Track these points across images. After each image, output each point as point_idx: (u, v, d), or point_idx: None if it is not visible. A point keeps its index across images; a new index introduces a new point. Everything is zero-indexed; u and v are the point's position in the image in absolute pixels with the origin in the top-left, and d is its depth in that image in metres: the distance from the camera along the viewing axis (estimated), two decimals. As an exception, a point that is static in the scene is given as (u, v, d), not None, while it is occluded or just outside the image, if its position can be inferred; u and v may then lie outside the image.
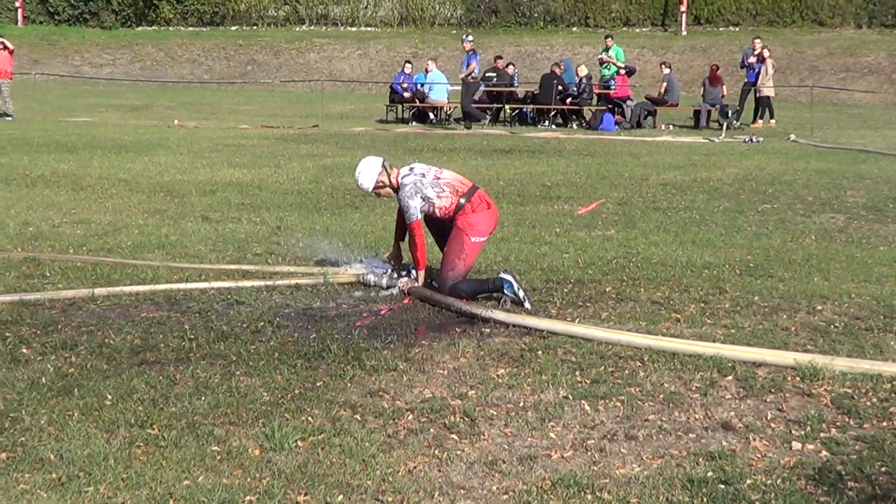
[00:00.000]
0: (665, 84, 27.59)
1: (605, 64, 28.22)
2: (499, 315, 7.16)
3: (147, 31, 52.08)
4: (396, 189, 8.02)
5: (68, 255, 9.18)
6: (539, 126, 27.12)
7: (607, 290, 8.06)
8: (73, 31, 52.13)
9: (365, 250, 9.46)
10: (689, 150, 20.57)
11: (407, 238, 8.16)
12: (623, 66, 27.99)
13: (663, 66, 28.69)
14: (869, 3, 43.93)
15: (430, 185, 7.92)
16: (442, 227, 8.14)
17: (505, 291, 7.63)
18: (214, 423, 5.15)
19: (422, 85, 28.57)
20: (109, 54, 49.28)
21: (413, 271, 8.12)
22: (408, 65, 30.00)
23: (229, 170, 16.10)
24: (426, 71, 29.09)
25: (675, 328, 7.00)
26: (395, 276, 8.14)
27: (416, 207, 7.88)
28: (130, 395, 5.53)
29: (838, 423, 5.25)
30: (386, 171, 8.04)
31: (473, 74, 26.33)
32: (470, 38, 27.55)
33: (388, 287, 8.05)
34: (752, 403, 5.55)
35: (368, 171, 8.05)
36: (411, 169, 8.07)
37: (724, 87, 27.54)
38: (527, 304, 7.56)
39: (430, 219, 8.11)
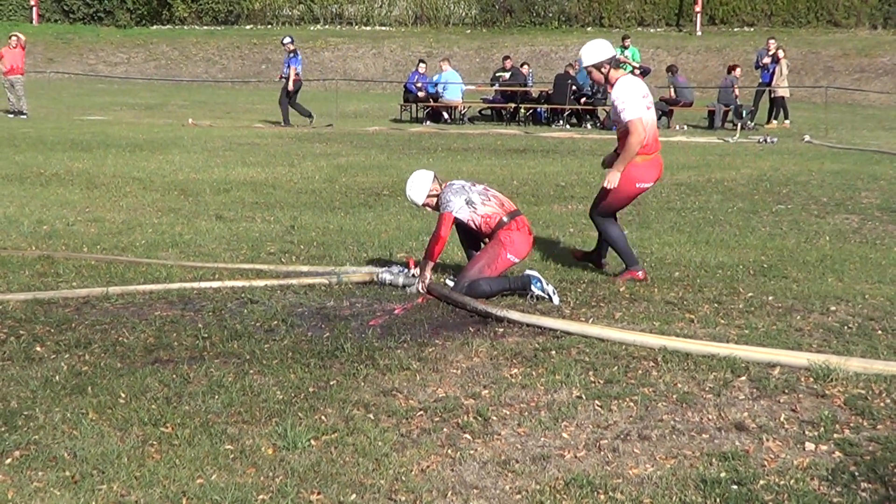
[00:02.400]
0: (672, 88, 27.63)
1: (622, 64, 28.20)
2: (514, 315, 7.16)
3: (162, 30, 52.17)
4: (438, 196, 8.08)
5: (82, 254, 9.21)
6: (553, 126, 27.11)
7: (621, 290, 8.05)
8: (87, 29, 52.23)
9: (379, 249, 9.48)
10: (703, 150, 20.53)
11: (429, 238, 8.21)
12: (638, 66, 27.95)
13: (668, 71, 28.67)
14: (884, 4, 43.76)
15: (477, 192, 8.06)
16: (477, 240, 8.21)
17: (533, 288, 7.73)
18: (228, 421, 5.16)
19: (436, 85, 28.59)
20: (124, 53, 49.37)
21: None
22: (422, 64, 29.98)
23: (243, 168, 16.14)
24: (441, 70, 29.14)
25: (688, 328, 6.99)
26: (412, 274, 8.15)
27: (455, 203, 7.94)
28: (144, 394, 5.54)
29: (852, 424, 5.23)
30: (438, 181, 8.13)
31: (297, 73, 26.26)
32: (287, 39, 27.11)
33: (405, 286, 8.05)
34: (766, 404, 5.54)
35: (420, 183, 8.13)
36: (452, 182, 8.17)
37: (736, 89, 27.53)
38: (556, 300, 7.67)
39: (468, 230, 8.15)
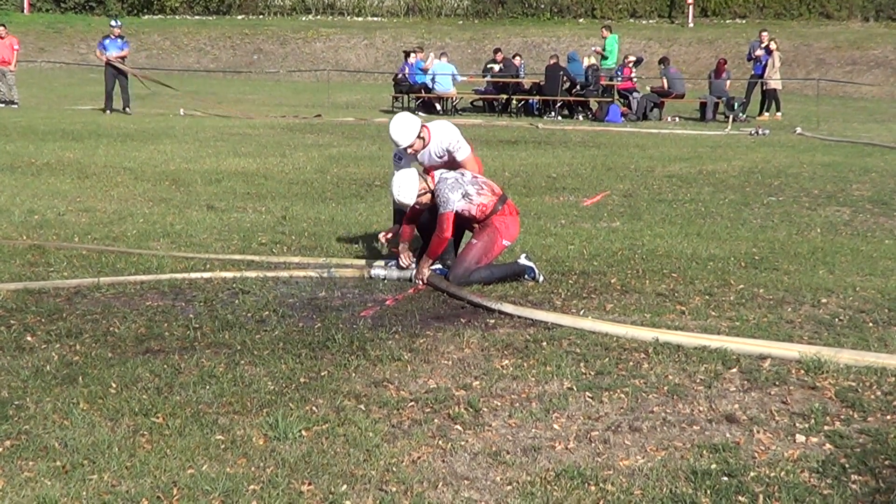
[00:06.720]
0: (664, 79, 27.69)
1: (604, 54, 28.21)
2: (508, 308, 7.16)
3: (153, 20, 52.07)
4: (433, 191, 8.04)
5: (73, 244, 9.19)
6: (545, 117, 27.10)
7: (612, 281, 8.06)
8: (79, 19, 52.12)
9: (371, 240, 9.48)
10: (694, 142, 20.55)
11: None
12: (633, 59, 27.98)
13: (660, 63, 28.76)
14: (876, -4, 43.89)
15: (469, 182, 8.06)
16: (467, 227, 8.26)
17: (526, 277, 7.96)
18: (219, 412, 5.15)
19: (423, 70, 28.64)
20: (115, 43, 49.26)
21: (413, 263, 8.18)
22: (412, 54, 29.98)
23: (235, 159, 16.11)
24: (441, 56, 29.33)
25: (679, 320, 6.99)
26: (405, 262, 8.16)
27: (455, 200, 7.93)
28: (135, 384, 5.53)
29: (842, 417, 5.24)
30: (423, 177, 8.08)
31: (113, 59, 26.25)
32: (117, 23, 27.44)
33: (399, 278, 8.05)
34: (757, 396, 5.54)
35: (409, 185, 8.01)
36: (442, 171, 8.16)
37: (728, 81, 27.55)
38: (540, 279, 7.98)
39: (460, 218, 8.13)
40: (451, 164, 8.49)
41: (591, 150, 18.59)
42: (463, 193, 7.94)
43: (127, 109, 25.77)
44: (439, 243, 7.99)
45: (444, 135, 8.52)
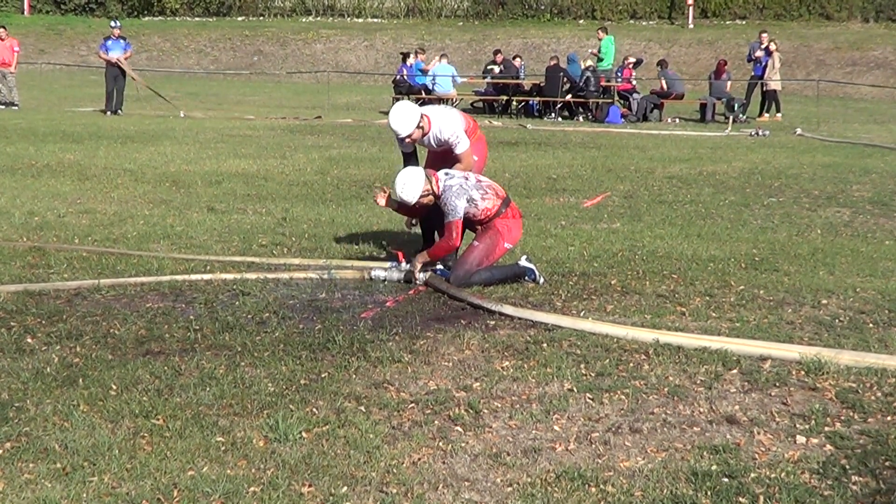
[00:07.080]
0: (663, 80, 27.71)
1: (599, 55, 28.24)
2: (508, 309, 7.16)
3: (153, 22, 52.07)
4: (437, 195, 8.02)
5: (73, 246, 9.18)
6: (545, 118, 27.10)
7: (612, 283, 8.05)
8: (79, 20, 52.12)
9: (371, 242, 9.47)
10: (695, 143, 20.54)
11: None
12: (634, 60, 27.99)
13: (658, 66, 28.83)
14: (876, -3, 43.89)
15: (473, 187, 8.03)
16: (469, 228, 8.26)
17: (527, 279, 7.98)
18: (219, 413, 5.15)
19: (422, 72, 28.65)
20: (116, 44, 49.25)
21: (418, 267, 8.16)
22: (411, 56, 29.99)
23: (235, 160, 16.11)
24: (441, 57, 29.31)
25: (680, 321, 6.99)
26: (405, 265, 8.15)
27: (461, 208, 7.92)
28: (135, 386, 5.53)
29: (843, 418, 5.24)
30: (428, 178, 8.05)
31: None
32: (116, 23, 27.58)
33: (399, 279, 8.03)
34: (757, 397, 5.54)
35: (413, 184, 7.99)
36: (447, 174, 8.12)
37: (729, 82, 27.57)
38: (540, 281, 7.99)
39: (465, 221, 8.12)
40: (452, 150, 8.55)
41: (592, 151, 18.59)
42: (468, 199, 7.93)
43: (119, 111, 25.78)
44: (446, 249, 8.00)
45: (444, 126, 8.54)
